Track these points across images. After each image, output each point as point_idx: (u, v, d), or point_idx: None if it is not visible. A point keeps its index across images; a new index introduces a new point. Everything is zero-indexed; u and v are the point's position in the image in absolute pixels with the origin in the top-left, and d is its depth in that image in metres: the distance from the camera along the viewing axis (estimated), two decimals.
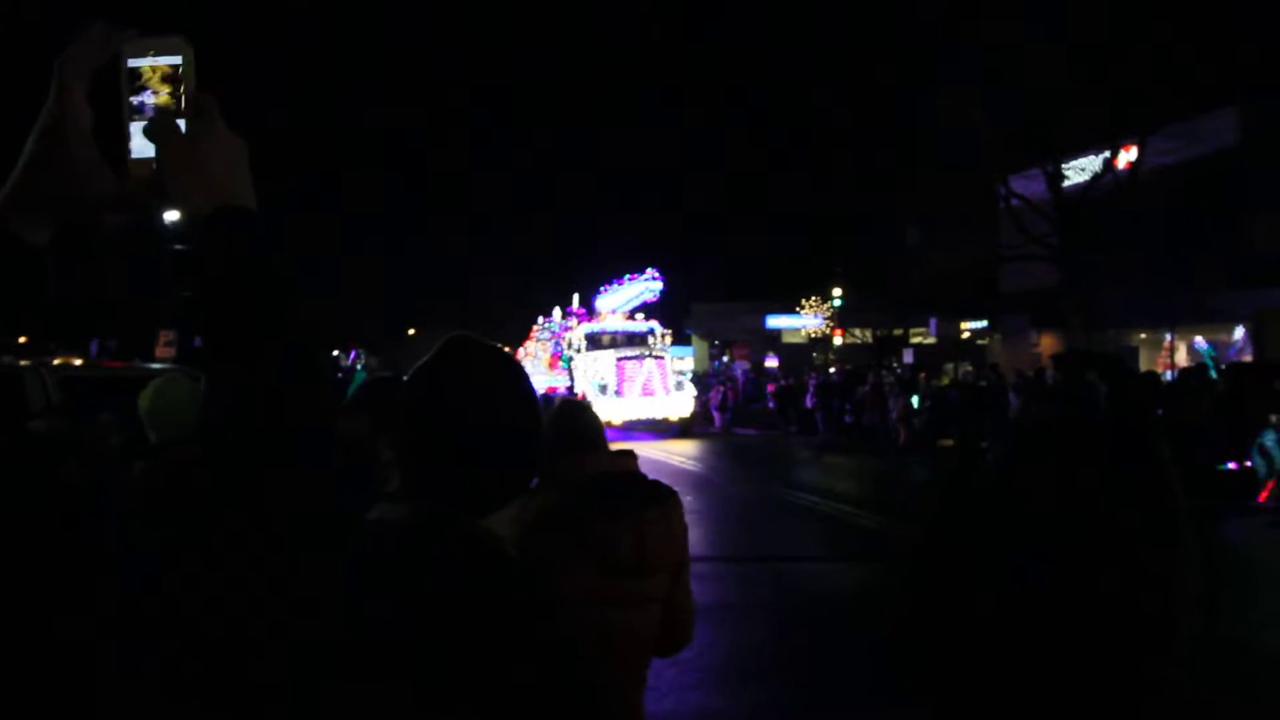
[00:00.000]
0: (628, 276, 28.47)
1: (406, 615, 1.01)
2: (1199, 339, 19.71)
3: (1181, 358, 22.43)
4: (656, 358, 22.09)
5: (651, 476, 2.32)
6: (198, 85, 0.81)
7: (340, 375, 25.72)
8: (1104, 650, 0.79)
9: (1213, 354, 17.24)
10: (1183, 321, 22.25)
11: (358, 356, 32.43)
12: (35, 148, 0.77)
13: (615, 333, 24.63)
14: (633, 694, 2.17)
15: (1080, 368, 17.14)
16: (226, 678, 0.68)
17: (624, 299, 28.19)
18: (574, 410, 2.36)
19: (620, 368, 21.31)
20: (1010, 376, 20.11)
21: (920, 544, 0.90)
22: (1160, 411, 12.23)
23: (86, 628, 0.69)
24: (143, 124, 0.80)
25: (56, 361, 8.23)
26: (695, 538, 10.34)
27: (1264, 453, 11.78)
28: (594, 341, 23.93)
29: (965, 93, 20.21)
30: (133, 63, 0.80)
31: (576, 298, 29.22)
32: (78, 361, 9.01)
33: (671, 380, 21.77)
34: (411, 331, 51.79)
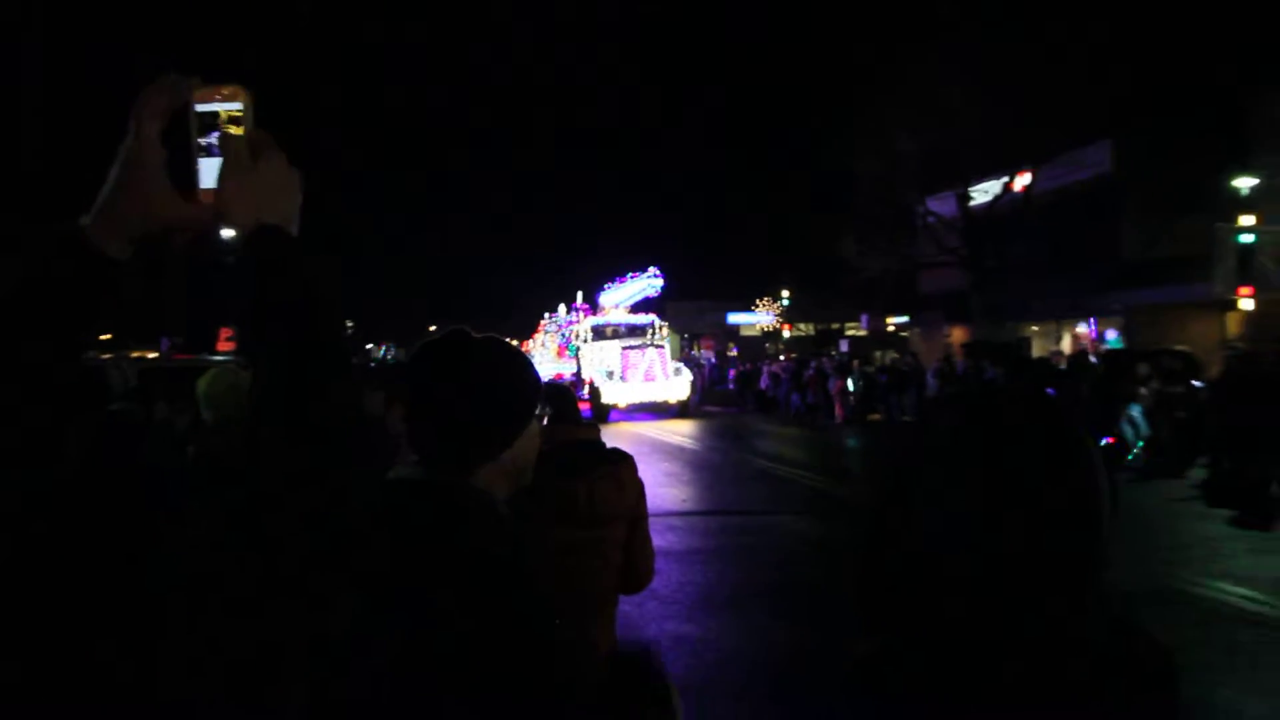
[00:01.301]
0: (630, 274, 26.96)
1: (397, 555, 1.04)
2: (1111, 331, 20.03)
3: (1066, 346, 22.69)
4: (657, 347, 21.07)
5: (646, 449, 2.31)
6: (255, 125, 0.82)
7: (373, 364, 25.52)
8: (1029, 595, 0.77)
9: (1119, 344, 17.50)
10: (1066, 316, 22.55)
11: (388, 349, 32.27)
12: (116, 178, 0.77)
13: (619, 325, 23.44)
14: (601, 626, 2.18)
15: (982, 355, 17.35)
16: (263, 619, 0.68)
17: (626, 294, 26.75)
18: (555, 390, 2.38)
19: (625, 356, 20.23)
20: (929, 363, 20.28)
21: (873, 506, 0.88)
22: (1051, 391, 12.39)
23: (160, 571, 0.69)
24: (209, 160, 0.80)
25: (134, 354, 8.14)
26: (675, 496, 10.34)
27: (1131, 423, 11.99)
28: (599, 333, 22.83)
29: (892, 129, 20.41)
30: (200, 107, 0.81)
31: (580, 295, 28.21)
32: (152, 355, 8.91)
33: (670, 367, 20.75)
34: (432, 328, 51.54)
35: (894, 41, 20.23)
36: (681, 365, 21.95)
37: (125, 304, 0.80)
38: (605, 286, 27.64)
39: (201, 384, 2.87)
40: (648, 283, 26.65)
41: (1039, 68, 17.16)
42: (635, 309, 26.04)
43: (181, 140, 0.80)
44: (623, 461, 2.25)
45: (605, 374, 19.97)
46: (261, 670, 0.65)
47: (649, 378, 20.12)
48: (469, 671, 1.04)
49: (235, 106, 0.81)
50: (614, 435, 16.89)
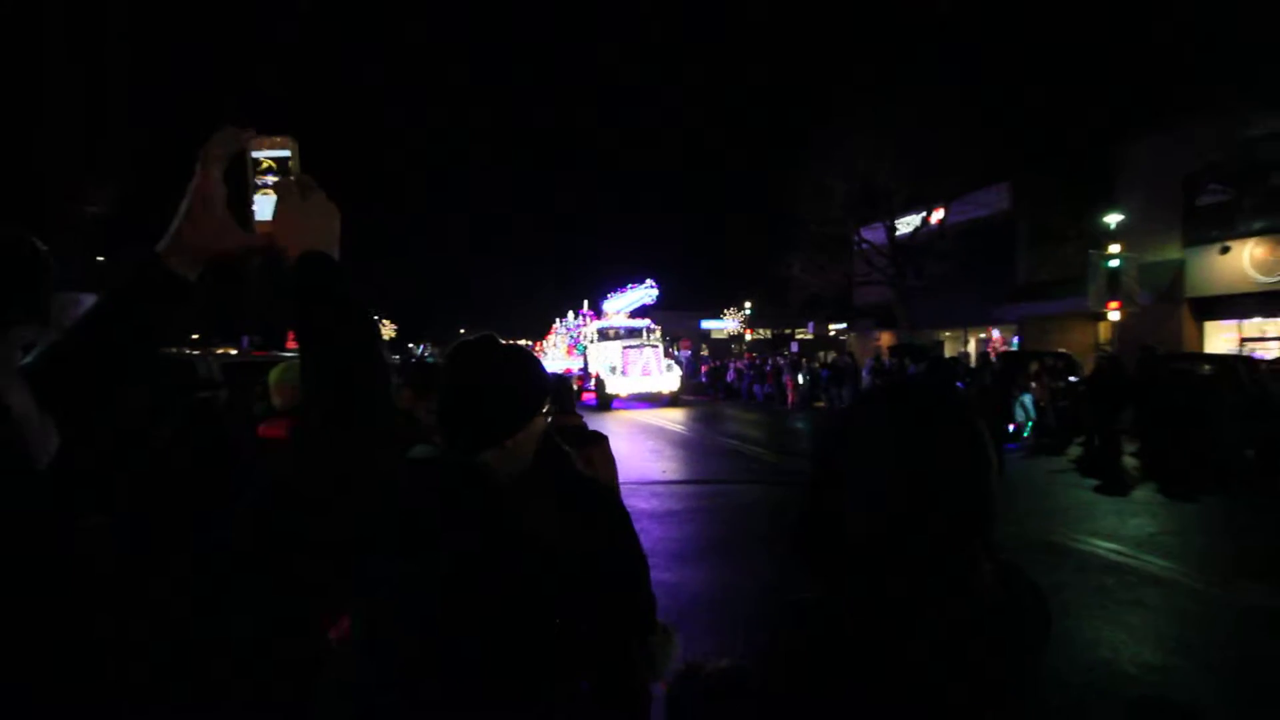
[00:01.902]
0: (629, 285, 26.47)
1: (417, 510, 1.06)
2: (1016, 338, 20.19)
3: (972, 348, 22.84)
4: (652, 347, 20.55)
5: (637, 430, 2.27)
6: (300, 169, 0.80)
7: (413, 360, 25.22)
8: (933, 549, 0.77)
9: (1015, 346, 17.59)
10: (971, 324, 22.71)
11: (426, 348, 31.99)
12: (185, 211, 0.76)
13: (620, 329, 22.93)
14: None
15: (905, 354, 17.41)
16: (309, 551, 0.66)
17: (626, 302, 26.24)
18: (557, 381, 2.32)
19: (625, 354, 19.75)
20: (863, 361, 20.36)
21: (810, 476, 0.88)
22: (960, 385, 12.46)
23: (231, 514, 0.66)
24: (262, 197, 0.79)
25: (219, 350, 8.03)
26: (657, 468, 10.28)
27: (1024, 409, 12.10)
28: (603, 335, 22.41)
29: (834, 174, 20.54)
30: (255, 154, 0.79)
31: (586, 303, 27.80)
32: (233, 351, 8.79)
33: (663, 364, 20.22)
34: (462, 330, 51.12)
35: (834, 104, 20.49)
36: (673, 362, 21.39)
37: (195, 312, 0.79)
38: (608, 295, 27.16)
39: (273, 375, 2.84)
40: (644, 292, 26.14)
41: (953, 127, 17.40)
42: (633, 314, 25.65)
43: (240, 180, 0.78)
44: (595, 443, 2.20)
45: (609, 369, 19.52)
46: (296, 645, 0.63)
47: (645, 372, 19.64)
48: (469, 613, 1.04)
49: (285, 153, 0.79)
50: (613, 420, 16.78)
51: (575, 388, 20.89)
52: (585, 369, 21.57)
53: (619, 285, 27.07)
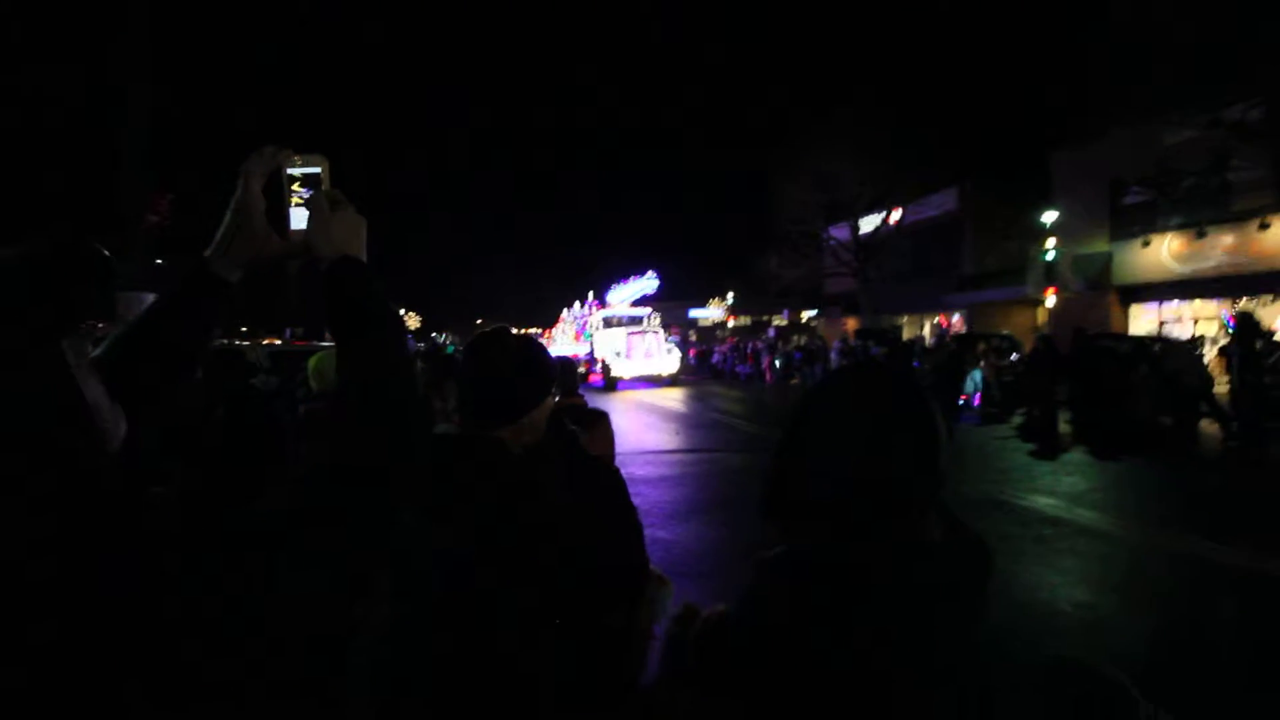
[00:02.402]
0: (632, 276, 26.11)
1: (442, 479, 1.07)
2: (964, 322, 20.22)
3: (927, 331, 22.87)
4: (654, 333, 20.15)
5: (637, 407, 2.23)
6: (331, 183, 0.79)
7: (435, 349, 24.97)
8: (885, 510, 0.78)
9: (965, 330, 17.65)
10: (926, 311, 22.73)
11: (447, 337, 31.79)
12: (228, 221, 0.76)
13: (623, 317, 22.50)
14: None
15: (869, 338, 17.44)
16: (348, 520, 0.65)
17: (629, 292, 25.86)
18: (564, 367, 2.29)
19: (629, 340, 19.33)
20: (832, 343, 20.38)
21: (779, 442, 0.88)
22: (917, 364, 12.50)
23: (281, 490, 0.65)
24: (297, 209, 0.78)
25: (265, 341, 7.99)
26: (653, 439, 10.29)
27: (974, 382, 12.18)
28: (608, 323, 22.04)
29: (805, 181, 20.44)
30: (290, 171, 0.78)
31: (591, 294, 27.54)
32: (278, 342, 8.75)
33: (663, 348, 19.77)
34: (479, 321, 50.74)
35: (805, 122, 20.39)
36: (673, 346, 20.81)
37: (238, 309, 0.79)
38: (612, 286, 26.81)
39: (311, 363, 2.83)
40: (646, 283, 25.76)
41: (908, 138, 17.33)
42: (635, 304, 25.31)
43: (277, 194, 0.78)
44: (595, 421, 2.17)
45: (614, 353, 19.14)
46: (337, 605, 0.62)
47: (647, 356, 19.25)
48: (494, 557, 1.04)
49: (316, 170, 0.78)
50: (618, 399, 16.64)
51: (581, 371, 20.59)
52: (592, 354, 21.31)
53: (621, 277, 26.78)
